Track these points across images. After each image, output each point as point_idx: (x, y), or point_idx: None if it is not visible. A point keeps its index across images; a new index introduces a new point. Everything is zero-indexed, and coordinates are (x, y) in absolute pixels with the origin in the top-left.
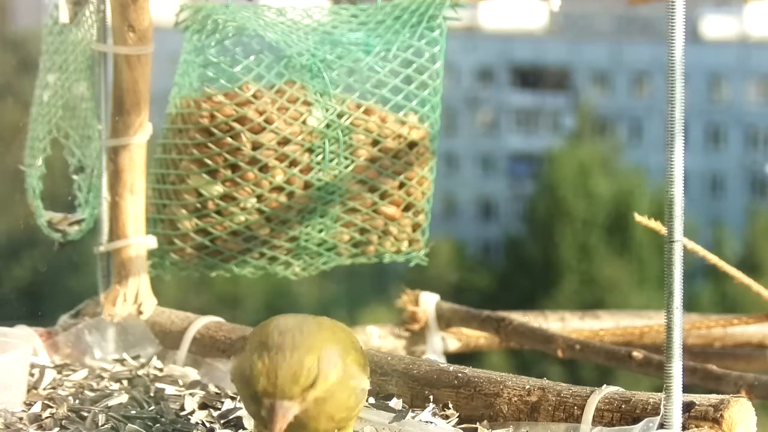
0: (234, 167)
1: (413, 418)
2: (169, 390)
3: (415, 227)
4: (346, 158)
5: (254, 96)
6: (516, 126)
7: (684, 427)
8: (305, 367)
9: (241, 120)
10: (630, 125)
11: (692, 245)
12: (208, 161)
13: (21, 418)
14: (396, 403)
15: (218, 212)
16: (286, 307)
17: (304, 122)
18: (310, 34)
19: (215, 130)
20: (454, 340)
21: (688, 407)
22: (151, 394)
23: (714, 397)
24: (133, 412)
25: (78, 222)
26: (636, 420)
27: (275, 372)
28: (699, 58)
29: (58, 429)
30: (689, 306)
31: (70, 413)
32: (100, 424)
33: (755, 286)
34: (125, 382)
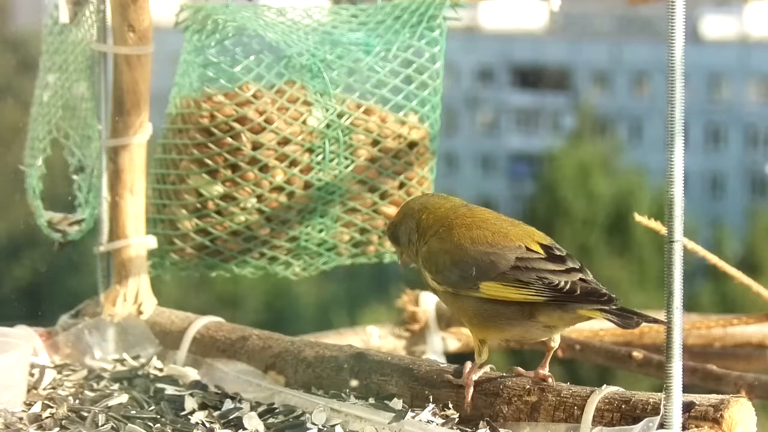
0: (234, 167)
1: (413, 418)
2: (169, 390)
3: None
4: (346, 158)
5: (254, 96)
6: (516, 126)
7: (684, 427)
8: None
9: (241, 120)
10: (630, 125)
11: (692, 245)
12: (208, 161)
13: (21, 418)
14: (396, 403)
15: (218, 212)
16: (286, 307)
17: (304, 122)
18: (310, 34)
19: (215, 130)
20: (454, 340)
21: (688, 407)
22: (151, 394)
23: (714, 397)
24: (133, 412)
25: (78, 222)
26: (636, 420)
27: None
28: (699, 58)
29: (58, 429)
30: (689, 306)
31: (70, 413)
32: (100, 424)
33: (755, 286)
34: (125, 382)
